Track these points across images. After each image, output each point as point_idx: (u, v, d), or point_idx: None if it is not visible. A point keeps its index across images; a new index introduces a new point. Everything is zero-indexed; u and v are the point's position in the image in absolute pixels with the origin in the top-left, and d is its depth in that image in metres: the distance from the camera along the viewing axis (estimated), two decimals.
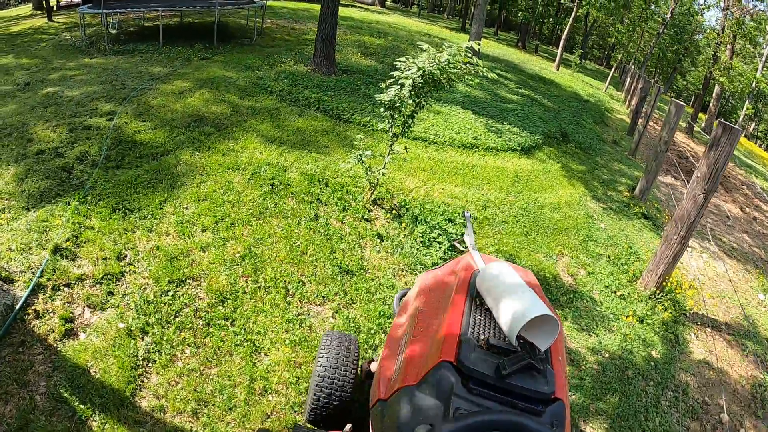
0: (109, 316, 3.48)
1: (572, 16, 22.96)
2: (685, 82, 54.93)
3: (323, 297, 4.05)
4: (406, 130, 4.94)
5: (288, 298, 3.95)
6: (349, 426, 2.08)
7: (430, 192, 6.14)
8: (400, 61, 4.68)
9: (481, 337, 1.66)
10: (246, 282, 4.02)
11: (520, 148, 8.44)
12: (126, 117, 6.82)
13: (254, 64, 9.95)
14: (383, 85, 4.77)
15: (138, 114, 6.93)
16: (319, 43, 9.93)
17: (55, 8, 19.77)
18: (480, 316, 1.77)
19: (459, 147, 7.78)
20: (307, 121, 7.47)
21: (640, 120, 13.91)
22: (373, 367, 2.72)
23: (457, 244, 4.53)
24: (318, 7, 10.73)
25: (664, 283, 5.25)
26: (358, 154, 5.07)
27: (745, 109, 46.35)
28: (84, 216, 4.44)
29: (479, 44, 4.50)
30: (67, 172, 5.24)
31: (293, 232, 4.68)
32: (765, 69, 25.09)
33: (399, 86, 4.52)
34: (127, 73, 9.01)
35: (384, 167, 5.13)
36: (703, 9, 38.55)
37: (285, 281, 4.10)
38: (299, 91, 8.41)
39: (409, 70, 4.46)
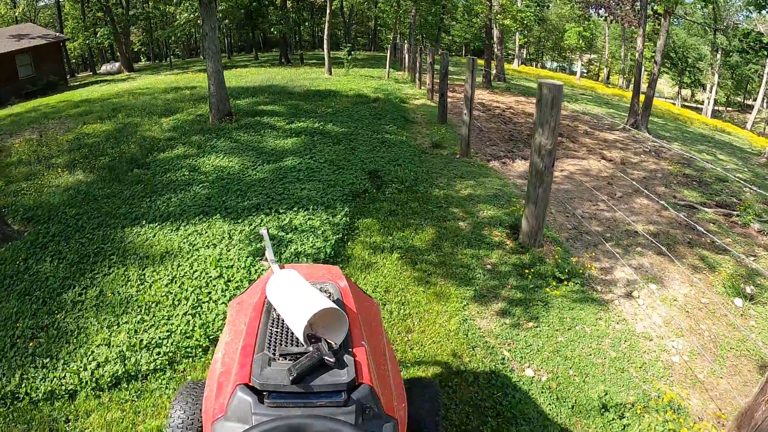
0: None
1: (328, 11, 20.01)
2: (450, 37, 56.30)
3: None
4: None
5: None
6: None
7: None
8: None
9: (277, 349, 1.60)
10: None
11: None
12: None
13: None
14: None
15: None
16: None
17: None
18: (275, 327, 1.72)
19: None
20: None
21: (449, 99, 11.09)
22: None
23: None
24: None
25: None
26: None
27: (518, 40, 48.37)
28: None
29: None
30: None
31: None
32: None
33: None
34: None
35: None
36: None
37: None
38: None
39: None
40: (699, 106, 47.09)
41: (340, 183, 6.26)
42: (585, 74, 48.16)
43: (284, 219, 5.33)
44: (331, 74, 20.15)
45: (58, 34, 32.22)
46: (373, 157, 7.40)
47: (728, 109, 52.46)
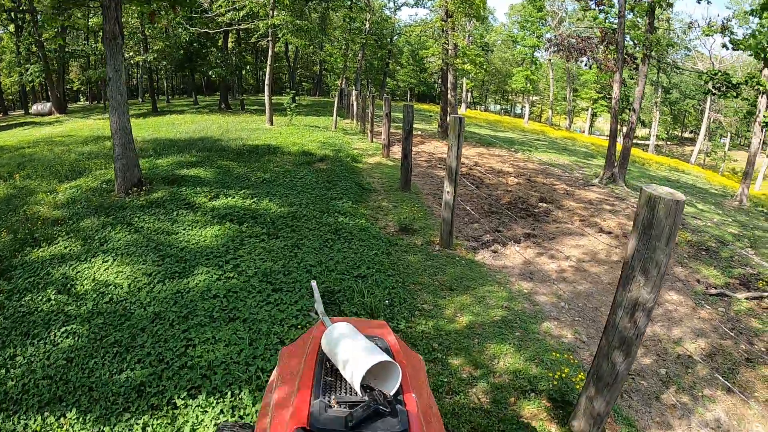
0: None
1: (269, 54, 18.01)
2: (395, 82, 55.85)
3: None
4: None
5: None
6: None
7: None
8: None
9: (332, 397, 1.65)
10: None
11: None
12: None
13: None
14: None
15: None
16: None
17: None
18: (330, 377, 1.78)
19: None
20: None
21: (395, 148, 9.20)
22: None
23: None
24: None
25: None
26: None
27: (465, 85, 48.03)
28: None
29: None
30: None
31: None
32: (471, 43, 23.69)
33: None
34: None
35: None
36: (395, 10, 38.29)
37: None
38: None
39: None
40: (640, 142, 48.05)
41: (276, 325, 4.01)
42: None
43: (183, 424, 3.08)
44: (272, 124, 18.07)
45: None
46: (325, 263, 5.21)
47: (668, 143, 54.13)
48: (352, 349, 1.70)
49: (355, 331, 1.86)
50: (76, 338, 4.00)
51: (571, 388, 3.61)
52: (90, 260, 5.38)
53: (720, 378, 4.22)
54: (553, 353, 4.04)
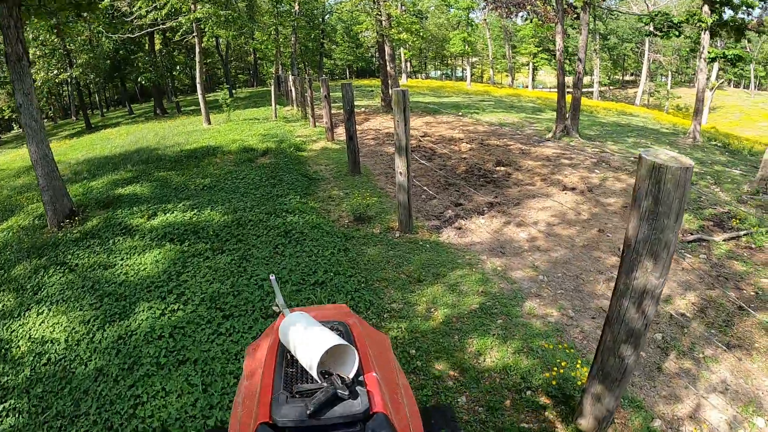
0: None
1: (197, 51, 16.98)
2: (332, 61, 54.86)
3: None
4: None
5: None
6: None
7: None
8: None
9: (293, 387, 1.63)
10: None
11: None
12: None
13: None
14: None
15: None
16: None
17: None
18: (290, 368, 1.75)
19: None
20: None
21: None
22: None
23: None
24: None
25: None
26: None
27: (403, 55, 47.40)
28: None
29: None
30: None
31: None
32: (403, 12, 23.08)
33: None
34: None
35: None
36: None
37: None
38: None
39: None
40: (584, 90, 48.79)
41: (231, 362, 3.48)
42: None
43: None
44: (210, 123, 17.17)
45: None
46: (278, 273, 4.70)
47: (610, 88, 55.13)
48: (306, 337, 1.68)
49: (309, 318, 1.82)
50: (17, 415, 3.42)
51: (568, 379, 3.24)
52: (24, 314, 4.72)
53: (718, 336, 3.94)
54: (543, 341, 3.65)
